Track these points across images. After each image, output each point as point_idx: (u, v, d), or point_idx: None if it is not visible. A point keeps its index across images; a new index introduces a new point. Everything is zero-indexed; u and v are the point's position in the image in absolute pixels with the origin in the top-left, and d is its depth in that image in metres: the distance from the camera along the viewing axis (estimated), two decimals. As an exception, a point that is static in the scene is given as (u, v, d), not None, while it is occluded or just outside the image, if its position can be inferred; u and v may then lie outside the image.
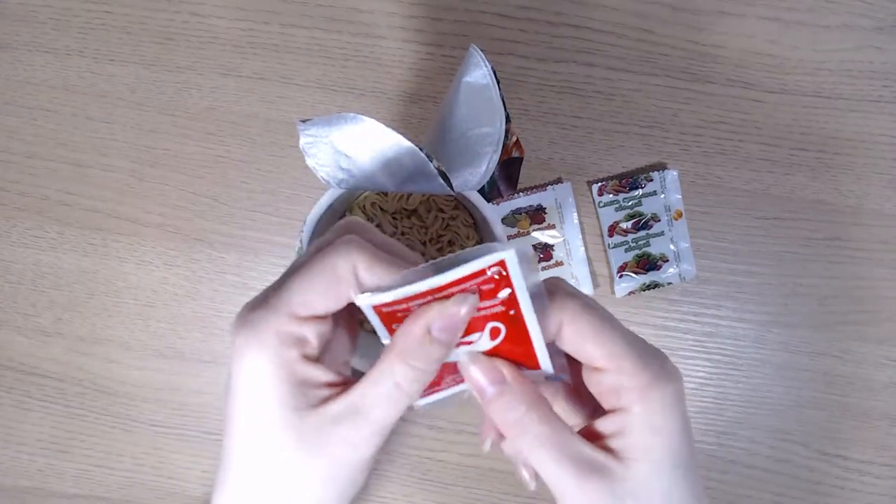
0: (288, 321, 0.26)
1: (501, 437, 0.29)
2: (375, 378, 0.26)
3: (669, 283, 0.52)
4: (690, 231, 0.52)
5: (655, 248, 0.52)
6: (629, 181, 0.52)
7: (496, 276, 0.25)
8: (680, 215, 0.52)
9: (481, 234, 0.45)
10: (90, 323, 0.54)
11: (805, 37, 0.52)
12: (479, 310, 0.26)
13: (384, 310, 0.26)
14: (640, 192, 0.52)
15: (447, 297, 0.26)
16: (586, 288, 0.52)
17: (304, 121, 0.34)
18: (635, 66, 0.52)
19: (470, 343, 0.27)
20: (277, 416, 0.26)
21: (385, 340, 0.27)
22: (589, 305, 0.27)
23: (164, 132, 0.53)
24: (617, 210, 0.52)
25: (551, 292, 0.27)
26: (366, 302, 0.26)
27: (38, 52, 0.53)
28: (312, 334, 0.26)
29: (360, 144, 0.33)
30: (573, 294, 0.27)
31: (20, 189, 0.54)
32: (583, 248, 0.52)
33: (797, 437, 0.53)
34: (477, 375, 0.27)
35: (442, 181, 0.33)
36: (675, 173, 0.52)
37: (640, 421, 0.26)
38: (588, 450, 0.26)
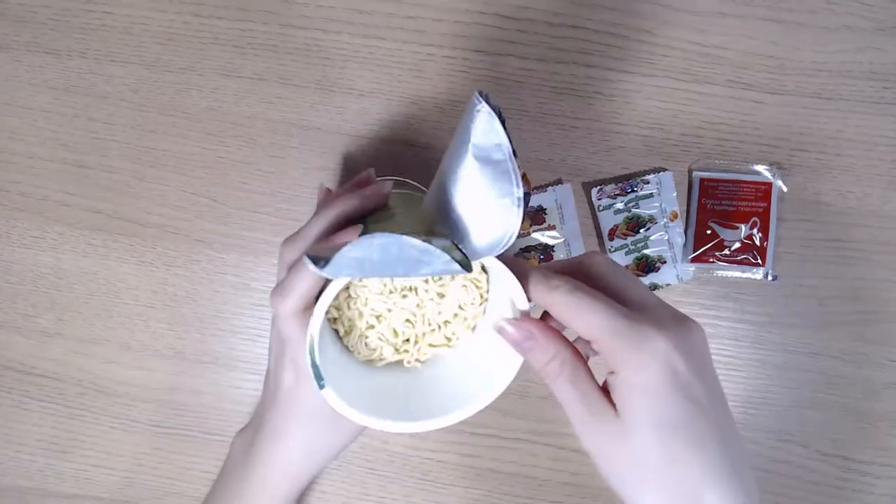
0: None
1: None
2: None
3: (668, 284, 0.52)
4: (690, 232, 0.52)
5: (653, 251, 0.52)
6: (626, 183, 0.52)
7: None
8: (675, 216, 0.52)
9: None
10: (90, 323, 0.54)
11: (806, 38, 0.52)
12: None
13: None
14: (638, 194, 0.52)
15: None
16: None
17: (311, 257, 0.30)
18: (635, 67, 0.52)
19: None
20: None
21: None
22: (566, 288, 0.31)
23: (165, 133, 0.53)
24: (616, 213, 0.52)
25: (524, 276, 0.33)
26: None
27: (39, 53, 0.53)
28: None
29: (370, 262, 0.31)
30: (546, 277, 0.32)
31: (20, 189, 0.54)
32: (583, 249, 0.52)
33: (797, 437, 0.53)
34: (513, 333, 0.34)
35: (453, 261, 0.29)
36: (670, 174, 0.52)
37: (620, 382, 0.31)
38: (596, 397, 0.32)
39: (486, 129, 0.30)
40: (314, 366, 0.32)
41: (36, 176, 0.54)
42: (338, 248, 0.29)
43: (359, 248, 0.28)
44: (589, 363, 0.34)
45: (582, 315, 0.31)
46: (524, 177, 0.35)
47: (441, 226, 0.33)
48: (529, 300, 0.34)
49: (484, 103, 0.30)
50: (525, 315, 0.34)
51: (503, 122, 0.31)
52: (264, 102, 0.53)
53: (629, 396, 0.30)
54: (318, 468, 0.40)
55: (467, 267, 0.30)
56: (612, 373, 0.31)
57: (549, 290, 0.32)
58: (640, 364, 0.30)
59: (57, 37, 0.53)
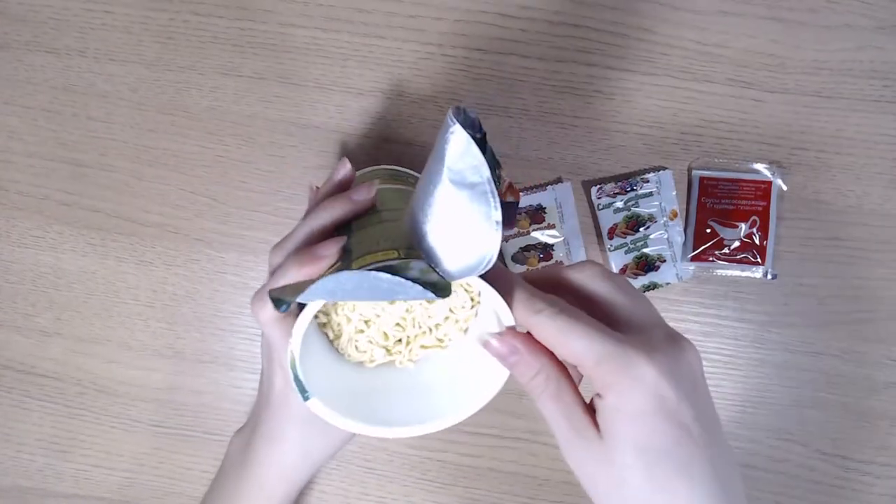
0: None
1: None
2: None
3: (667, 283, 0.52)
4: (690, 231, 0.52)
5: (653, 249, 0.52)
6: (626, 182, 0.52)
7: None
8: (675, 215, 0.52)
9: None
10: (90, 323, 0.54)
11: (806, 36, 0.52)
12: None
13: None
14: (637, 192, 0.52)
15: None
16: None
17: (275, 298, 0.31)
18: (636, 66, 0.52)
19: None
20: None
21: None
22: (549, 312, 0.31)
23: (164, 132, 0.53)
24: (615, 212, 0.52)
25: (509, 297, 0.31)
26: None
27: (39, 52, 0.53)
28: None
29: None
30: (531, 299, 0.31)
31: (20, 189, 0.54)
32: (583, 248, 0.52)
33: (797, 436, 0.53)
34: (498, 348, 0.33)
35: (427, 289, 0.29)
36: (670, 173, 0.52)
37: (605, 406, 0.30)
38: (580, 415, 0.31)
39: (461, 151, 0.29)
40: (297, 380, 0.32)
41: (35, 175, 0.54)
42: (303, 286, 0.30)
43: (330, 281, 0.29)
44: (581, 382, 0.33)
45: (566, 340, 0.30)
46: (510, 186, 0.34)
47: (418, 247, 0.32)
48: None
49: (457, 125, 0.29)
50: (510, 329, 0.33)
51: (483, 136, 0.30)
52: (264, 101, 0.53)
53: (613, 421, 0.30)
54: (314, 469, 0.41)
55: (445, 291, 0.29)
56: (598, 395, 0.31)
57: (531, 314, 0.31)
58: (625, 389, 0.29)
59: (57, 36, 0.53)
